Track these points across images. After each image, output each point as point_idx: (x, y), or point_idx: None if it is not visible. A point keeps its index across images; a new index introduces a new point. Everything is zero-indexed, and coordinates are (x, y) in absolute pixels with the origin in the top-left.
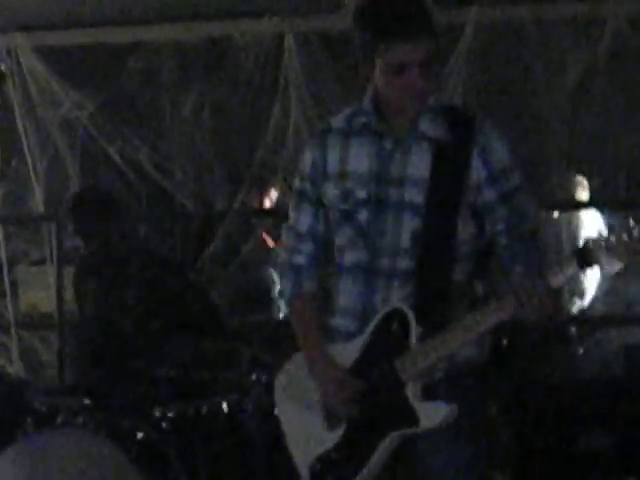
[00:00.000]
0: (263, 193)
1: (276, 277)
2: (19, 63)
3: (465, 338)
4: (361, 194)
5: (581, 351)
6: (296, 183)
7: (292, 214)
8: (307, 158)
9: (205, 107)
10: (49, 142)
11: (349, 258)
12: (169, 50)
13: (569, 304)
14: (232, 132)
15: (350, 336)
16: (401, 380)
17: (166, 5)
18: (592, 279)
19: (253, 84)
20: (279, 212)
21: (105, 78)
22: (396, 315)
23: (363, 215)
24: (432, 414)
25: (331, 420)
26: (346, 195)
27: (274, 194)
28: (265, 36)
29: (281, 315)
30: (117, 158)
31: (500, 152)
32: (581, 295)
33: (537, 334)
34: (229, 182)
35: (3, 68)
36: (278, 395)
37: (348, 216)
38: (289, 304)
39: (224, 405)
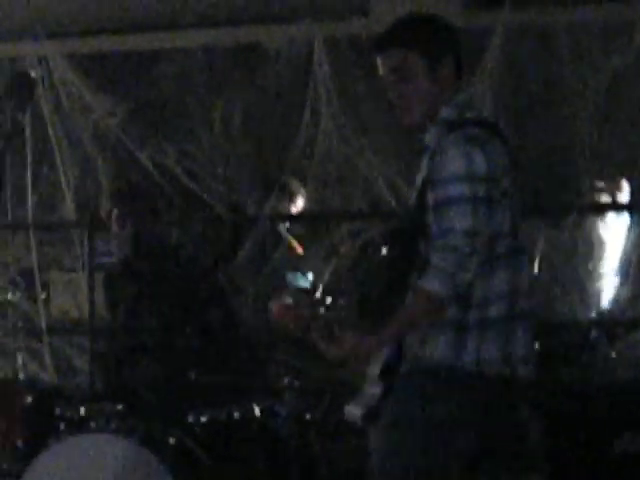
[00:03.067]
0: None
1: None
2: (50, 70)
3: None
4: None
5: (613, 354)
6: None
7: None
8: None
9: (235, 112)
10: (80, 149)
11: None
12: (200, 56)
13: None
14: (263, 137)
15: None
16: None
17: (196, 11)
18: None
19: (283, 89)
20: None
21: (136, 84)
22: None
23: None
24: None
25: None
26: None
27: (300, 200)
28: (295, 41)
29: None
30: (148, 164)
31: (441, 163)
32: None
33: (569, 337)
34: (260, 187)
35: (34, 75)
36: None
37: None
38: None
39: (256, 410)
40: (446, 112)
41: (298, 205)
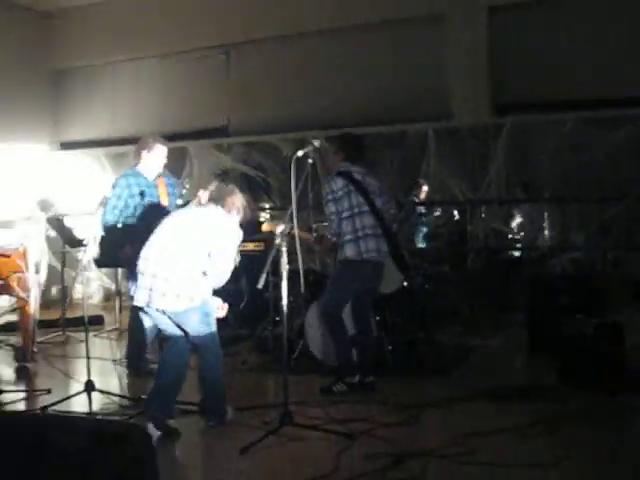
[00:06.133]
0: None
1: None
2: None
3: None
4: None
5: (553, 261)
6: None
7: None
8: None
9: (392, 160)
10: None
11: None
12: (384, 137)
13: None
14: (405, 175)
15: None
16: None
17: (386, 111)
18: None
19: (415, 157)
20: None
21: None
22: None
23: None
24: None
25: None
26: None
27: (424, 193)
28: (418, 131)
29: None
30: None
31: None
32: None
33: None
34: (401, 190)
35: (317, 144)
36: None
37: None
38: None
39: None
40: (336, 170)
41: (423, 194)
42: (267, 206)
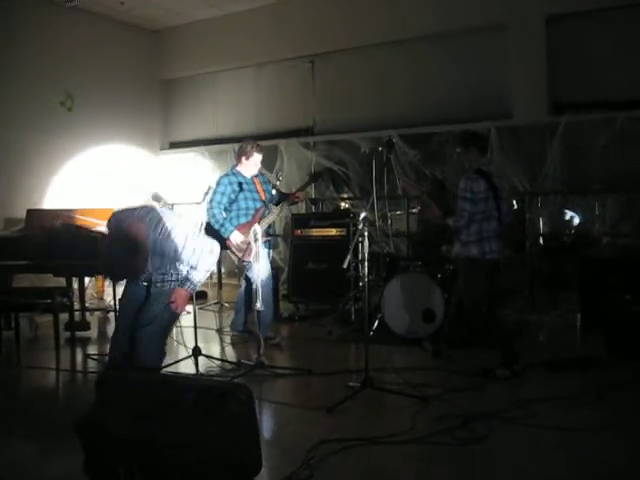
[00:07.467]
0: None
1: None
2: (395, 144)
3: None
4: None
5: (603, 246)
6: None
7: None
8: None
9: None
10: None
11: None
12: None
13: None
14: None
15: None
16: None
17: (455, 113)
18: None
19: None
20: None
21: (424, 143)
22: None
23: None
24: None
25: None
26: None
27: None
28: (482, 129)
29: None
30: (436, 174)
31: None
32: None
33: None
34: None
35: (394, 139)
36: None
37: None
38: None
39: None
40: (471, 167)
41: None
42: (346, 196)
